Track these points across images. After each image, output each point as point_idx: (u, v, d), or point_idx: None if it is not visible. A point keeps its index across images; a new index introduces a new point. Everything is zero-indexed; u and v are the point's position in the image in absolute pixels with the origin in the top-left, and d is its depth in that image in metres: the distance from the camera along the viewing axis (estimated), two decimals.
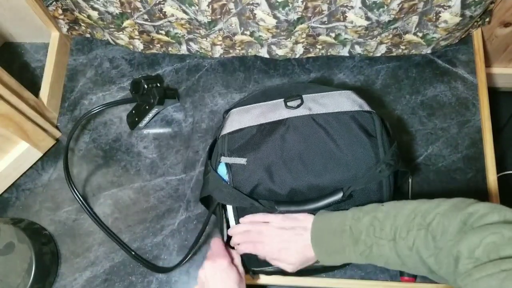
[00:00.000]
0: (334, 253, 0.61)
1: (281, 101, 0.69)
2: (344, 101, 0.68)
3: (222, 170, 0.68)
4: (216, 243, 0.72)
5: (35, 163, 0.91)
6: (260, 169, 0.65)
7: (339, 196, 0.63)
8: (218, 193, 0.67)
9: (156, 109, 0.89)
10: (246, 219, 0.68)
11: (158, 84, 0.87)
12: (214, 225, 0.84)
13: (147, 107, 0.87)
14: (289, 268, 0.65)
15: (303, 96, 0.69)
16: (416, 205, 0.55)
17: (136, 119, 0.90)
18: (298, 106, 0.68)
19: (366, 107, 0.69)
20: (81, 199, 0.78)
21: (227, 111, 0.73)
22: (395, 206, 0.58)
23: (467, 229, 0.47)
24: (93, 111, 0.80)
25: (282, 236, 0.64)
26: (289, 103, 0.68)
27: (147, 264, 0.79)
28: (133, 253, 0.80)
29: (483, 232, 0.44)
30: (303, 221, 0.64)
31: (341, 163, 0.65)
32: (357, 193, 0.65)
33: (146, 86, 0.85)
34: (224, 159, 0.67)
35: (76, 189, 0.77)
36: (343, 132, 0.66)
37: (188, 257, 0.75)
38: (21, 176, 0.90)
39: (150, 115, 0.89)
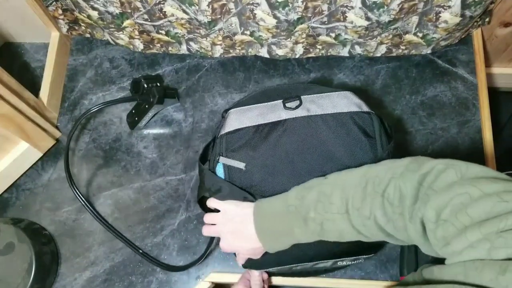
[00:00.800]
0: (282, 236, 0.59)
1: (279, 102, 0.69)
2: (342, 102, 0.68)
3: (219, 170, 0.68)
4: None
5: (35, 163, 0.91)
6: (258, 170, 0.65)
7: None
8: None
9: (156, 109, 0.89)
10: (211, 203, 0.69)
11: (158, 84, 0.87)
12: None
13: (146, 106, 0.87)
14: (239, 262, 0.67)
15: (302, 97, 0.69)
16: (363, 171, 0.53)
17: (136, 118, 0.90)
18: (297, 107, 0.68)
19: (365, 108, 0.69)
20: (83, 199, 0.78)
21: (226, 111, 0.73)
22: (340, 177, 0.55)
23: (427, 191, 0.45)
24: (92, 109, 0.80)
25: (231, 229, 0.64)
26: (287, 104, 0.68)
27: (158, 263, 0.79)
28: (140, 251, 0.79)
29: (448, 194, 0.42)
30: (246, 207, 0.63)
31: (340, 164, 0.65)
32: None
33: (146, 86, 0.85)
34: (223, 160, 0.67)
35: (78, 190, 0.77)
36: (342, 133, 0.66)
37: (203, 258, 0.77)
38: (21, 176, 0.90)
39: (150, 114, 0.89)
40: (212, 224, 0.67)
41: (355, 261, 0.75)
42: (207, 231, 0.68)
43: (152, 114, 0.90)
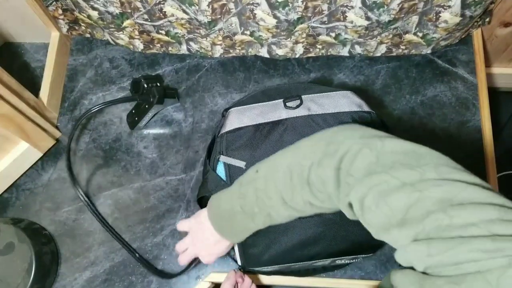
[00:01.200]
0: (241, 233, 0.61)
1: (280, 101, 0.70)
2: (343, 102, 0.69)
3: (220, 169, 0.68)
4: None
5: (35, 163, 0.90)
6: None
7: None
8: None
9: (156, 109, 0.89)
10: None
11: (158, 84, 0.87)
12: None
13: (146, 106, 0.87)
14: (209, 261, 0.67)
15: (303, 96, 0.69)
16: (288, 160, 0.53)
17: (136, 118, 0.90)
18: (297, 106, 0.68)
19: (366, 108, 0.69)
20: (85, 197, 0.78)
21: (227, 110, 0.73)
22: (269, 168, 0.56)
23: (346, 178, 0.45)
24: (93, 109, 0.80)
25: (200, 242, 0.66)
26: (288, 104, 0.68)
27: (151, 268, 0.80)
28: (137, 255, 0.80)
29: (367, 183, 0.42)
30: (201, 214, 0.65)
31: None
32: None
33: (146, 86, 0.85)
34: (223, 159, 0.67)
35: (81, 190, 0.77)
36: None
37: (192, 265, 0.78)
38: (21, 176, 0.90)
39: (150, 114, 0.89)
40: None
41: (354, 260, 0.75)
42: (183, 259, 0.70)
43: (152, 114, 0.90)
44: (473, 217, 0.35)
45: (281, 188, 0.53)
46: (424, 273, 0.37)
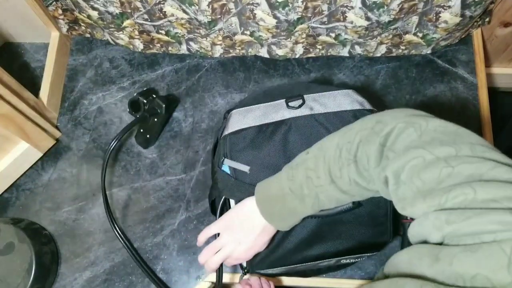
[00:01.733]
0: (289, 217, 0.60)
1: (282, 101, 0.69)
2: (345, 100, 0.69)
3: (225, 171, 0.68)
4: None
5: (35, 163, 0.90)
6: (263, 169, 0.65)
7: (349, 205, 0.63)
8: (228, 192, 0.67)
9: (165, 119, 0.88)
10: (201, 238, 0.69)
11: (154, 95, 0.87)
12: None
13: (155, 119, 0.87)
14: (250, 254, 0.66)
15: (305, 96, 0.69)
16: (338, 139, 0.55)
17: (148, 136, 0.89)
18: (300, 106, 0.68)
19: (368, 106, 0.69)
20: (121, 234, 0.81)
21: (229, 111, 0.73)
22: (320, 148, 0.57)
23: (387, 152, 0.47)
24: (111, 147, 0.80)
25: (241, 238, 0.64)
26: (290, 103, 0.68)
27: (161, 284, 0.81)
28: (144, 267, 0.81)
29: (405, 157, 0.44)
30: (246, 203, 0.64)
31: None
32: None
33: (145, 101, 0.85)
34: (228, 162, 0.67)
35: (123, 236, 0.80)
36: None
37: None
38: (21, 176, 0.90)
39: (160, 127, 0.89)
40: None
41: (359, 259, 0.75)
42: (214, 263, 0.66)
43: (162, 126, 0.90)
44: (497, 194, 0.36)
45: (330, 166, 0.54)
46: (439, 244, 0.38)
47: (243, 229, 0.64)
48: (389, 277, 0.42)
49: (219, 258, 0.66)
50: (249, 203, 0.63)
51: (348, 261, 0.74)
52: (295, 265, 0.72)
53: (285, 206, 0.59)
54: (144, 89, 0.94)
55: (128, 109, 0.89)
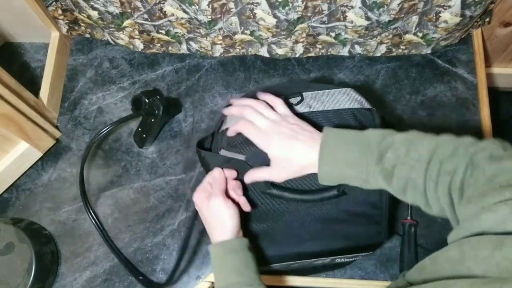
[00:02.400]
0: (346, 165, 0.55)
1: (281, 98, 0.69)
2: (344, 99, 0.69)
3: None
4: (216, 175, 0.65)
5: (35, 163, 0.90)
6: (259, 165, 0.65)
7: (333, 192, 0.62)
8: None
9: (163, 121, 0.88)
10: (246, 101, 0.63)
11: (158, 96, 0.87)
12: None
13: (152, 120, 0.87)
14: (280, 177, 0.60)
15: (304, 93, 0.69)
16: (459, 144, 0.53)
17: (144, 135, 0.89)
18: (298, 103, 0.68)
19: (366, 105, 0.69)
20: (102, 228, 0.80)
21: (228, 106, 0.73)
22: (431, 135, 0.54)
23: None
24: (104, 131, 0.80)
25: (292, 130, 0.59)
26: (289, 100, 0.68)
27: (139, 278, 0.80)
28: (122, 256, 0.81)
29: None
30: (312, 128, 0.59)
31: None
32: (357, 190, 0.65)
33: (147, 100, 0.85)
34: (223, 153, 0.67)
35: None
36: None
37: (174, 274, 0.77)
38: (21, 176, 0.90)
39: (157, 128, 0.89)
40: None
41: (354, 259, 0.75)
42: (244, 126, 0.61)
43: (160, 127, 0.90)
44: None
45: (439, 145, 0.52)
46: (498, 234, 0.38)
47: (293, 129, 0.58)
48: (419, 284, 0.41)
49: (250, 129, 0.61)
50: (312, 129, 0.59)
51: (343, 260, 0.74)
52: (289, 263, 0.72)
53: (356, 152, 0.54)
54: (150, 88, 0.94)
55: (131, 106, 0.89)
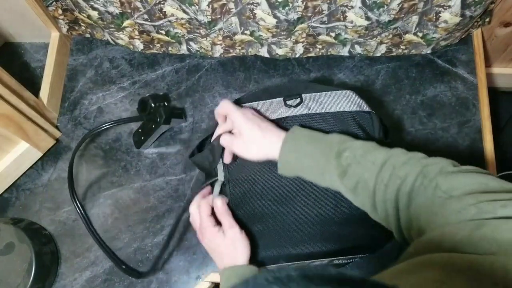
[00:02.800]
0: (305, 157, 0.59)
1: (280, 99, 0.69)
2: (343, 101, 0.69)
3: (219, 167, 0.68)
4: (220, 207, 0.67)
5: (35, 163, 0.90)
6: (256, 166, 0.65)
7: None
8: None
9: (163, 129, 0.88)
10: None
11: (166, 104, 0.87)
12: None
13: (153, 126, 0.87)
14: (241, 151, 0.64)
15: (303, 95, 0.69)
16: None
17: (142, 138, 0.89)
18: (297, 105, 0.68)
19: (366, 108, 0.69)
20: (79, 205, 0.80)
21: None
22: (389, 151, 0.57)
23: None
24: (101, 128, 0.81)
25: (262, 123, 0.63)
26: (288, 102, 0.68)
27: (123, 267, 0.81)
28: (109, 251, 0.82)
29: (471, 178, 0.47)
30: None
31: None
32: None
33: (153, 105, 0.85)
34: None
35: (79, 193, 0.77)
36: (342, 132, 0.66)
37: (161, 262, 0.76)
38: (21, 176, 0.90)
39: (157, 134, 0.89)
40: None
41: (351, 260, 0.75)
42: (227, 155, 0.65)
43: (159, 134, 0.90)
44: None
45: (394, 154, 0.55)
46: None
47: (257, 127, 0.62)
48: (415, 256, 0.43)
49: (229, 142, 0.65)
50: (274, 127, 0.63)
51: (341, 261, 0.74)
52: (287, 263, 0.72)
53: (315, 148, 0.58)
54: (161, 93, 0.94)
55: (137, 106, 0.89)
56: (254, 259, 0.69)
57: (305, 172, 0.60)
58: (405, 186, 0.51)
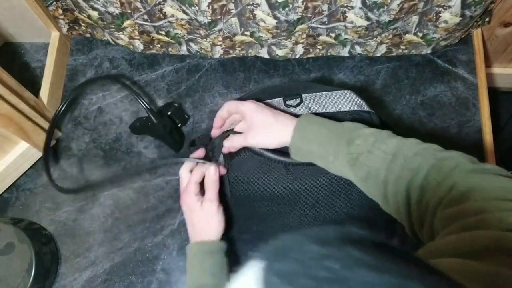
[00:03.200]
0: (316, 143, 0.58)
1: (280, 99, 0.69)
2: (343, 101, 0.68)
3: (221, 158, 0.68)
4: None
5: (35, 163, 0.91)
6: (255, 165, 0.65)
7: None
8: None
9: (159, 138, 0.90)
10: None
11: (178, 125, 0.89)
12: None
13: (152, 130, 0.87)
14: (255, 141, 0.63)
15: (303, 95, 0.69)
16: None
17: (140, 128, 0.90)
18: (297, 105, 0.68)
19: (365, 107, 0.69)
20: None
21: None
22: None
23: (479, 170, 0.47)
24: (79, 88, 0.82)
25: (272, 110, 0.63)
26: (288, 102, 0.68)
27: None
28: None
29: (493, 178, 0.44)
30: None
31: None
32: (356, 192, 0.65)
33: (169, 113, 0.88)
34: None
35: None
36: None
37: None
38: (21, 176, 0.90)
39: (153, 137, 0.91)
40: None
41: None
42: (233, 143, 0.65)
43: (153, 137, 0.91)
44: None
45: (406, 144, 0.53)
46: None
47: (270, 114, 0.62)
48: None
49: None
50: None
51: None
52: None
53: (328, 134, 0.57)
54: (184, 111, 0.94)
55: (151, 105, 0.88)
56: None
57: (316, 158, 0.59)
58: (416, 180, 0.49)
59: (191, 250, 0.66)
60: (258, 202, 0.67)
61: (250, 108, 0.63)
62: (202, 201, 0.65)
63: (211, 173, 0.65)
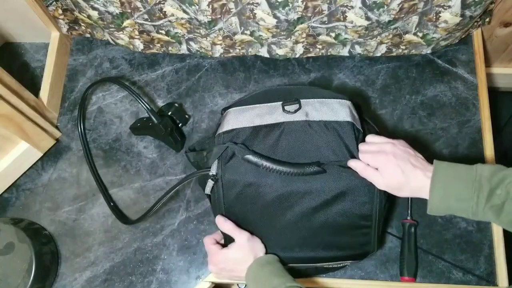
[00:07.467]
0: (456, 199, 0.58)
1: (279, 104, 0.68)
2: (342, 110, 0.67)
3: (214, 164, 0.68)
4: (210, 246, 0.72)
5: (35, 163, 0.90)
6: (251, 170, 0.65)
7: (313, 168, 0.63)
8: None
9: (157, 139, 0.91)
10: (373, 138, 0.65)
11: (177, 126, 0.90)
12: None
13: (150, 129, 0.87)
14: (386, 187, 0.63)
15: (302, 100, 0.68)
16: None
17: (140, 128, 0.90)
18: (296, 111, 0.67)
19: (358, 125, 0.67)
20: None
21: (226, 109, 0.73)
22: None
23: None
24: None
25: (406, 162, 0.61)
26: (286, 107, 0.67)
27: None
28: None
29: None
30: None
31: (334, 169, 0.65)
32: (347, 200, 0.65)
33: (170, 113, 0.89)
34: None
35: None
36: (337, 141, 0.65)
37: (153, 209, 0.76)
38: (21, 176, 0.90)
39: (150, 134, 0.91)
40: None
41: (342, 265, 0.77)
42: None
43: (151, 135, 0.92)
44: None
45: None
46: None
47: (408, 159, 0.62)
48: None
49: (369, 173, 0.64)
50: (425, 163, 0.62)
51: (331, 266, 0.75)
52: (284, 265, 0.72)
53: (467, 188, 0.57)
54: (184, 111, 0.94)
55: (153, 107, 0.89)
56: None
57: (456, 212, 0.59)
58: None
59: (250, 270, 0.67)
60: (251, 205, 0.67)
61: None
62: (232, 244, 0.69)
63: (220, 222, 0.68)
